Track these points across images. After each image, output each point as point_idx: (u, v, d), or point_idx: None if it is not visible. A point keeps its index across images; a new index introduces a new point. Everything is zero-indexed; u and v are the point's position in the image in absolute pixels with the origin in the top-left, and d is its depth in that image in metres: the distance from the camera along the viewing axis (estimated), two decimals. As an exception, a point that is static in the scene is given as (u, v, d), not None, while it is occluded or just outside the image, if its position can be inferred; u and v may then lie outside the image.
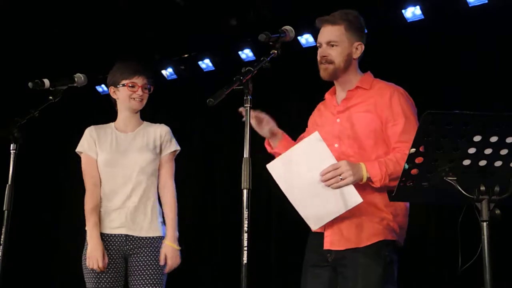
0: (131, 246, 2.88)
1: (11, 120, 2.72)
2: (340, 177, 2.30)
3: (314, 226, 2.43)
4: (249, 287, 1.99)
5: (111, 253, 2.87)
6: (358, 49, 2.60)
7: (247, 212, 2.04)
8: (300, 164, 2.34)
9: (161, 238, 2.92)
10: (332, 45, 2.55)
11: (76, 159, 3.07)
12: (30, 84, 2.78)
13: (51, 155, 6.02)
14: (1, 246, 2.61)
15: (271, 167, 2.42)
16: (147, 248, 2.87)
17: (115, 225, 2.89)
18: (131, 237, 2.88)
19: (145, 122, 3.07)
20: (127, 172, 2.91)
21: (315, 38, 4.82)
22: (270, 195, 4.73)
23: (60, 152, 6.03)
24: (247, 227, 2.03)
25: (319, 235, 2.52)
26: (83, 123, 3.18)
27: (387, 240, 2.45)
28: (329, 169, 2.31)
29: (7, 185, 2.69)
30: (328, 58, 2.55)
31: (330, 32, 2.57)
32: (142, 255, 2.86)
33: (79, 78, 2.91)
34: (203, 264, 5.21)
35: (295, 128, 2.78)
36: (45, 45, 5.34)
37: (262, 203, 4.79)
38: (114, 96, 3.02)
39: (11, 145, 2.72)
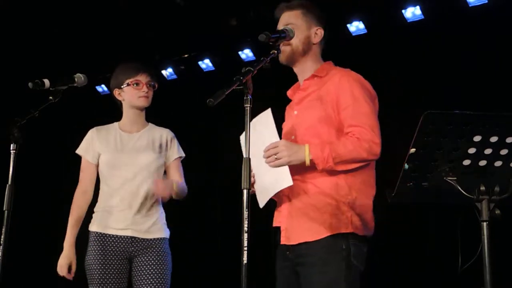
0: (136, 248, 2.87)
1: (11, 120, 2.72)
2: (275, 157, 2.24)
3: (260, 203, 2.38)
4: (249, 287, 1.99)
5: (115, 254, 2.87)
6: (318, 34, 2.54)
7: (247, 212, 2.04)
8: (254, 140, 2.17)
9: (165, 240, 2.92)
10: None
11: (76, 159, 3.07)
12: (30, 84, 2.77)
13: (51, 155, 6.02)
14: (1, 246, 2.61)
15: (241, 140, 2.43)
16: (151, 249, 2.87)
17: (120, 227, 2.88)
18: (136, 238, 2.88)
19: (150, 124, 3.07)
20: (131, 173, 2.91)
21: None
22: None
23: (60, 152, 6.02)
24: (247, 227, 2.03)
25: (278, 231, 2.48)
26: (83, 123, 3.18)
27: (343, 232, 2.32)
28: (269, 146, 2.26)
29: (7, 185, 2.69)
30: (285, 41, 2.46)
31: (288, 16, 2.53)
32: (146, 256, 2.86)
33: (79, 78, 2.91)
34: (203, 264, 5.20)
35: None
36: (45, 45, 5.34)
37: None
38: (119, 98, 3.01)
39: (11, 145, 2.72)
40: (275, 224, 2.53)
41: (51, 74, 2.94)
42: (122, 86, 2.96)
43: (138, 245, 2.87)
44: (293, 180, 2.27)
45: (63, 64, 5.13)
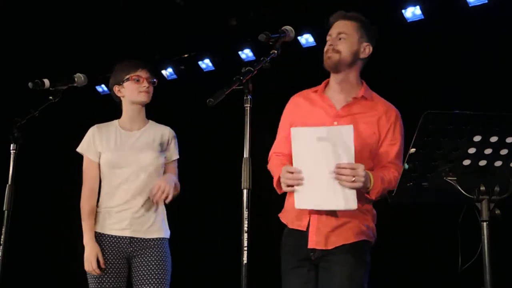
0: (135, 248, 2.86)
1: (11, 120, 2.72)
2: (353, 179, 2.30)
3: (299, 205, 2.39)
4: (249, 287, 1.99)
5: (113, 254, 2.85)
6: (366, 50, 2.60)
7: (247, 212, 2.04)
8: (322, 144, 2.30)
9: (165, 240, 2.91)
10: (342, 38, 2.56)
11: (76, 159, 3.06)
12: (30, 84, 2.77)
13: (51, 155, 6.02)
14: (1, 246, 2.61)
15: (295, 132, 2.38)
16: (151, 249, 2.85)
17: (119, 227, 2.87)
18: (135, 239, 2.86)
19: (150, 121, 3.04)
20: (131, 172, 2.89)
21: (315, 38, 4.85)
22: (270, 195, 4.73)
23: (60, 152, 6.03)
24: (247, 227, 2.03)
25: (299, 234, 2.51)
26: (83, 123, 3.17)
27: (368, 240, 2.51)
28: (347, 166, 2.29)
29: (7, 185, 2.70)
30: (335, 48, 2.54)
31: (343, 25, 2.59)
32: (146, 256, 2.84)
33: (79, 78, 2.91)
34: (203, 264, 5.21)
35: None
36: (45, 45, 5.34)
37: (262, 203, 4.79)
38: (119, 95, 2.98)
39: (11, 145, 2.73)
40: (293, 226, 2.54)
41: (51, 74, 2.94)
42: (122, 82, 2.95)
43: (137, 245, 2.86)
44: None
45: (63, 64, 5.13)
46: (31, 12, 4.98)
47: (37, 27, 5.16)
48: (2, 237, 2.62)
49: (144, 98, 2.95)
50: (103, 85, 5.83)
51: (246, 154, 2.08)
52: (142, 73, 2.94)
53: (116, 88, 2.98)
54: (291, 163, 2.43)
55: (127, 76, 2.93)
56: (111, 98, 3.09)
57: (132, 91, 2.94)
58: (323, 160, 2.31)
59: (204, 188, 5.32)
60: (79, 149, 2.98)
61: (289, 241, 2.57)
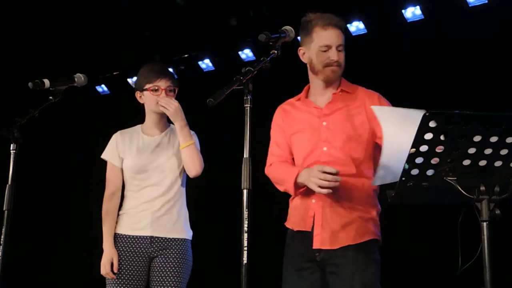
0: (156, 248, 2.86)
1: (11, 120, 2.72)
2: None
3: (376, 181, 2.34)
4: (249, 287, 1.99)
5: (134, 255, 2.86)
6: None
7: (247, 212, 2.04)
8: (408, 125, 2.09)
9: (187, 241, 2.93)
10: (340, 50, 2.59)
11: (76, 159, 3.07)
12: (30, 84, 2.78)
13: (51, 155, 6.02)
14: (1, 246, 2.61)
15: (377, 109, 2.33)
16: (171, 250, 2.86)
17: (139, 226, 2.88)
18: (156, 238, 2.87)
19: (171, 125, 3.04)
20: (152, 175, 2.91)
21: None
22: (270, 195, 4.73)
23: (60, 152, 6.03)
24: (247, 227, 2.03)
25: (303, 235, 2.51)
26: (83, 123, 3.18)
27: (376, 239, 2.52)
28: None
29: (7, 185, 2.70)
30: (339, 62, 2.58)
31: (340, 36, 2.60)
32: (166, 256, 2.85)
33: (79, 78, 2.91)
34: (203, 264, 5.20)
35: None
36: (45, 45, 5.34)
37: (262, 203, 4.79)
38: (140, 101, 3.00)
39: (11, 145, 2.73)
40: (299, 228, 2.55)
41: (51, 74, 2.94)
42: (142, 90, 2.96)
43: (158, 245, 2.86)
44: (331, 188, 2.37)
45: (63, 64, 5.13)
46: (31, 12, 4.98)
47: (37, 27, 5.15)
48: (2, 237, 2.62)
49: (160, 109, 2.92)
50: (103, 85, 5.82)
51: (246, 154, 2.08)
52: (161, 83, 2.92)
53: (138, 94, 3.00)
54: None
55: (146, 86, 2.93)
56: (111, 98, 3.09)
57: (150, 101, 2.94)
58: (403, 139, 2.12)
59: (204, 188, 5.32)
60: (103, 156, 3.01)
61: (293, 242, 2.58)
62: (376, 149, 2.54)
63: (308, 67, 2.68)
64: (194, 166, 2.89)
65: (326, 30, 2.58)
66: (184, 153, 2.89)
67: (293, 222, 2.60)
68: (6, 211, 2.66)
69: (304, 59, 2.68)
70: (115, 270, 2.82)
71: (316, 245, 2.47)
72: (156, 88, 2.91)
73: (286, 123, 2.69)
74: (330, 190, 2.36)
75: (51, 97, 2.80)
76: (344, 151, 2.52)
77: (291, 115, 2.70)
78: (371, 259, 2.46)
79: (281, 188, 2.63)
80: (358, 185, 2.50)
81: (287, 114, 2.71)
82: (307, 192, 2.53)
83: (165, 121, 3.05)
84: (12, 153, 2.73)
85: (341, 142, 2.53)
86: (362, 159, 2.52)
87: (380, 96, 2.61)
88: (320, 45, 2.58)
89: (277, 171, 2.64)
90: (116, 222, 2.94)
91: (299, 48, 2.69)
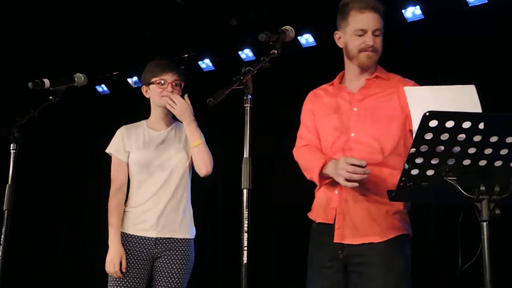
0: (160, 249, 2.85)
1: (11, 120, 2.72)
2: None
3: None
4: (249, 287, 1.99)
5: (137, 255, 2.84)
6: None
7: (247, 212, 2.04)
8: (442, 104, 2.07)
9: (190, 241, 2.90)
10: (377, 35, 2.50)
11: (76, 159, 3.06)
12: (30, 84, 2.78)
13: (51, 155, 6.02)
14: (1, 246, 2.61)
15: (409, 90, 2.22)
16: (175, 251, 2.85)
17: (145, 227, 2.86)
18: (160, 239, 2.85)
19: (177, 121, 3.03)
20: (158, 170, 2.89)
21: (315, 38, 4.85)
22: (270, 195, 4.73)
23: (60, 151, 6.03)
24: (247, 227, 2.03)
25: (326, 228, 2.45)
26: (83, 123, 3.18)
27: (404, 234, 2.41)
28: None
29: (7, 185, 2.70)
30: (374, 47, 2.49)
31: (377, 20, 2.50)
32: (170, 257, 2.84)
33: (79, 78, 2.91)
34: (203, 264, 5.20)
35: (295, 128, 2.78)
36: (45, 45, 5.34)
37: (262, 203, 4.80)
38: (146, 95, 3.00)
39: (11, 145, 2.73)
40: (321, 220, 2.49)
41: (51, 74, 2.94)
42: (148, 84, 2.95)
43: (163, 245, 2.85)
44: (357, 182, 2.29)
45: (63, 64, 5.13)
46: (31, 12, 4.98)
47: (37, 27, 5.15)
48: (2, 237, 2.62)
49: (166, 103, 2.92)
50: (103, 85, 5.82)
51: (246, 154, 2.08)
52: (167, 77, 2.92)
53: (144, 89, 3.00)
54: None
55: (152, 79, 2.93)
56: (111, 98, 3.09)
57: (156, 95, 2.94)
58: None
59: (204, 188, 5.32)
60: (108, 150, 2.99)
61: (316, 235, 2.51)
62: (409, 138, 2.42)
63: (344, 52, 2.60)
64: (205, 165, 2.88)
65: (363, 14, 2.48)
66: (194, 152, 2.88)
67: (316, 213, 2.53)
68: (6, 211, 2.65)
69: (340, 43, 2.59)
70: (124, 270, 2.79)
71: (337, 239, 2.39)
72: (162, 81, 2.91)
73: (316, 107, 2.63)
74: (357, 184, 2.28)
75: (51, 97, 2.80)
76: (373, 138, 2.43)
77: (322, 100, 2.63)
78: (397, 258, 2.35)
79: (307, 176, 2.55)
80: (384, 175, 2.40)
81: (318, 98, 2.66)
82: (332, 183, 2.44)
83: (171, 116, 3.03)
84: (12, 153, 2.72)
85: (370, 129, 2.44)
86: (391, 148, 2.43)
87: (415, 84, 2.53)
88: (356, 28, 2.49)
89: (305, 158, 2.57)
90: (122, 220, 2.91)
91: (335, 32, 2.60)
